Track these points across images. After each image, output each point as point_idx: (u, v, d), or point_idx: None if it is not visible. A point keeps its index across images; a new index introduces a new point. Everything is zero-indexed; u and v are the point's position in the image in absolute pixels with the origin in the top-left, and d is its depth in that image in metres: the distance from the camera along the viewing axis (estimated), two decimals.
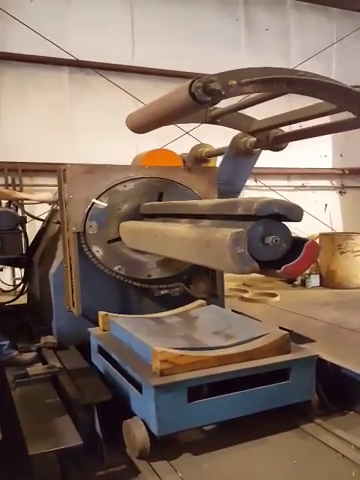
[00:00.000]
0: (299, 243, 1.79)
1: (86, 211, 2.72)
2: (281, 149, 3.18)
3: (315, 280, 5.68)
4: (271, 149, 3.17)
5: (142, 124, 2.38)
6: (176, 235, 2.18)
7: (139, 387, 2.10)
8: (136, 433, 2.02)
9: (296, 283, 5.71)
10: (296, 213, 1.77)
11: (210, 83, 1.80)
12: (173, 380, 1.99)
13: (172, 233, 2.24)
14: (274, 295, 5.01)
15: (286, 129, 3.04)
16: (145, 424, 2.04)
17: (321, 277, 5.73)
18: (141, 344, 2.24)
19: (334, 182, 8.34)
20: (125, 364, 2.24)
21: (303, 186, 7.89)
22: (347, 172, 8.18)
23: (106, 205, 2.75)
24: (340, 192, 8.32)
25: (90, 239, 2.73)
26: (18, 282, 4.60)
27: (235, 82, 1.86)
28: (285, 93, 2.24)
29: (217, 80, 1.82)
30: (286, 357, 2.24)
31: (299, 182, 7.90)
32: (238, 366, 2.12)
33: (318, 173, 7.99)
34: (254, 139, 3.19)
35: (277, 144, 3.11)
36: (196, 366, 2.07)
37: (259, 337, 2.29)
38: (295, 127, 3.09)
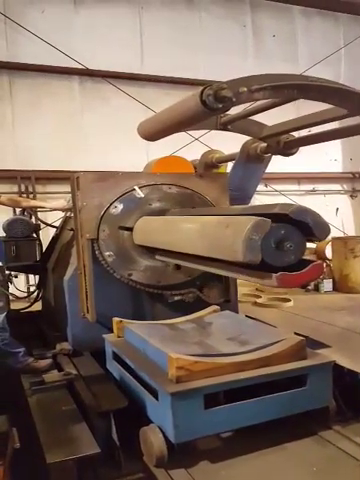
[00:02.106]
0: (304, 262, 1.73)
1: (120, 194, 2.78)
2: (292, 154, 3.19)
3: (328, 285, 5.61)
4: (282, 154, 3.18)
5: (154, 132, 2.41)
6: (199, 220, 2.17)
7: (155, 394, 2.09)
8: (153, 440, 2.01)
9: (309, 288, 5.65)
10: (323, 230, 1.72)
11: (221, 90, 1.81)
12: (189, 387, 1.98)
13: (193, 220, 2.23)
14: (287, 300, 4.95)
15: (295, 134, 3.05)
16: (162, 431, 2.03)
17: (334, 282, 5.66)
18: (156, 351, 2.24)
19: (345, 186, 8.27)
20: (141, 371, 2.24)
21: (313, 190, 7.85)
22: (358, 176, 8.11)
23: (143, 196, 2.80)
24: (351, 196, 8.25)
25: (107, 218, 2.76)
26: (32, 289, 4.63)
27: (246, 89, 1.87)
28: (295, 99, 2.24)
29: (228, 87, 1.83)
30: (303, 363, 2.22)
31: (310, 186, 7.86)
32: (254, 373, 2.11)
33: (329, 177, 7.95)
34: (264, 144, 3.19)
35: (288, 149, 3.11)
36: (212, 373, 2.06)
37: (275, 343, 2.28)
38: (304, 132, 3.09)
